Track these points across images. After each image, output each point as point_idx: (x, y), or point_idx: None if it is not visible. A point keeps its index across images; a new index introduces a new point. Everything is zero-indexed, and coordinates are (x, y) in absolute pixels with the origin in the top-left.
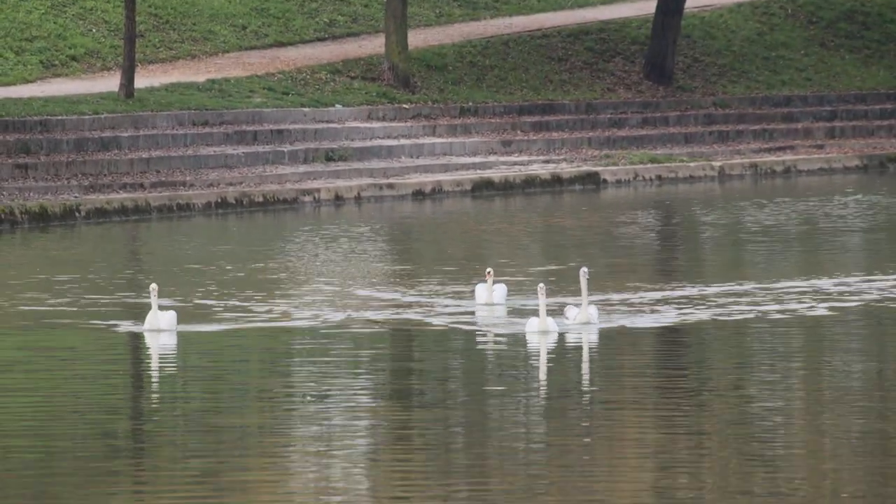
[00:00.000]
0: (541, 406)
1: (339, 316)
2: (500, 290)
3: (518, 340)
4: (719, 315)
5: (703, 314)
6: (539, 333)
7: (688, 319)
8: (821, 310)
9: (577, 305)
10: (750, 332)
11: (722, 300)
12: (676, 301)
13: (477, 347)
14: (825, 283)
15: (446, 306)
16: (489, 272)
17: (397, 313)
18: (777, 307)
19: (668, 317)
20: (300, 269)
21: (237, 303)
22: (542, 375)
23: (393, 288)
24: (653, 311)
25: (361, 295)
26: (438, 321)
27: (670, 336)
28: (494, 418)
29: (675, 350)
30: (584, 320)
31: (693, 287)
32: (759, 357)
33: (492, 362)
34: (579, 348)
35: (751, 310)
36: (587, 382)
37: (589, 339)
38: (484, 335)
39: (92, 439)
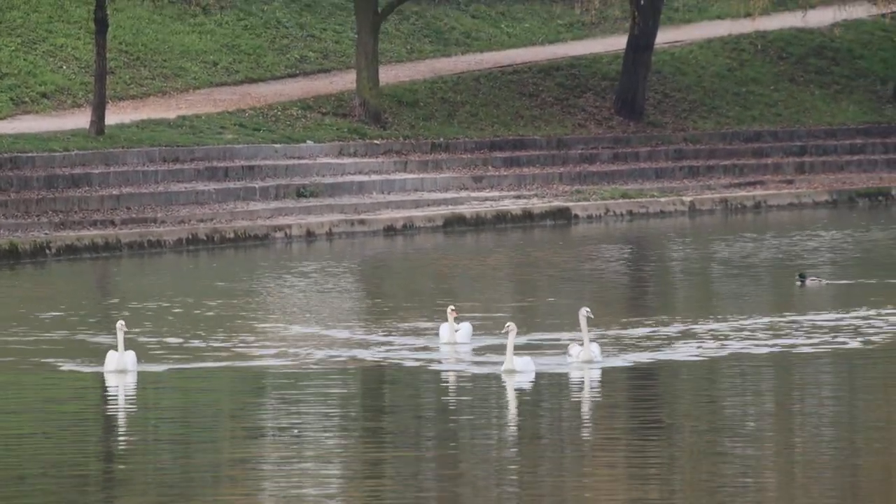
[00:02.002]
0: (511, 445)
1: (306, 354)
2: (465, 328)
3: (482, 379)
4: (702, 352)
5: (684, 350)
6: (506, 373)
7: (675, 356)
8: (783, 347)
9: (580, 343)
10: (746, 368)
11: (708, 336)
12: (658, 337)
13: (442, 386)
14: (791, 320)
15: (411, 345)
16: (451, 310)
17: (363, 351)
18: (761, 343)
19: (645, 355)
20: (269, 307)
21: (202, 342)
22: (511, 415)
23: (361, 326)
24: (626, 349)
25: (329, 333)
26: (404, 360)
27: (650, 374)
28: (465, 457)
29: (661, 387)
30: (586, 358)
31: (677, 323)
32: (734, 395)
33: (460, 402)
34: (555, 385)
35: (742, 345)
36: (568, 420)
37: (591, 376)
38: (448, 374)
39: (62, 481)
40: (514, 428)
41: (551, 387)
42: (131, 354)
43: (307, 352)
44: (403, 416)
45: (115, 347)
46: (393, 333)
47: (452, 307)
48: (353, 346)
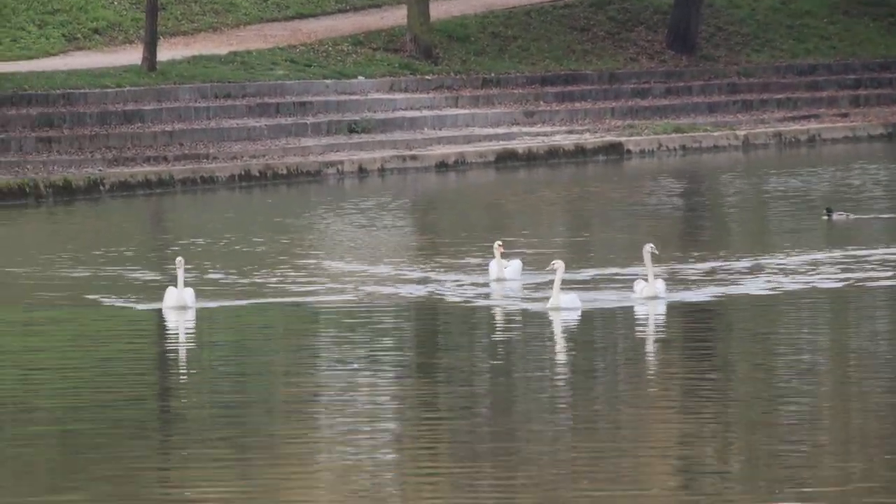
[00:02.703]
0: (565, 379)
1: (358, 290)
2: (515, 265)
3: (531, 316)
4: (766, 288)
5: (748, 285)
6: (552, 309)
7: (731, 292)
8: (837, 282)
9: (645, 279)
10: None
11: (771, 270)
12: (721, 272)
13: (491, 323)
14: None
15: (461, 281)
16: (498, 245)
17: (414, 287)
18: (822, 277)
19: (709, 291)
20: (323, 243)
21: (257, 279)
22: (564, 350)
23: (412, 262)
24: (690, 285)
25: (381, 269)
26: (453, 295)
27: (718, 310)
28: (518, 393)
29: (727, 323)
30: (650, 294)
31: (738, 258)
32: (794, 329)
33: (510, 338)
34: (607, 324)
35: (807, 280)
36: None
37: (656, 312)
38: (497, 310)
39: (121, 414)
40: (569, 363)
41: (606, 323)
42: (190, 291)
43: (360, 287)
44: (455, 352)
45: (173, 284)
46: (444, 269)
47: (499, 242)
48: (404, 282)
